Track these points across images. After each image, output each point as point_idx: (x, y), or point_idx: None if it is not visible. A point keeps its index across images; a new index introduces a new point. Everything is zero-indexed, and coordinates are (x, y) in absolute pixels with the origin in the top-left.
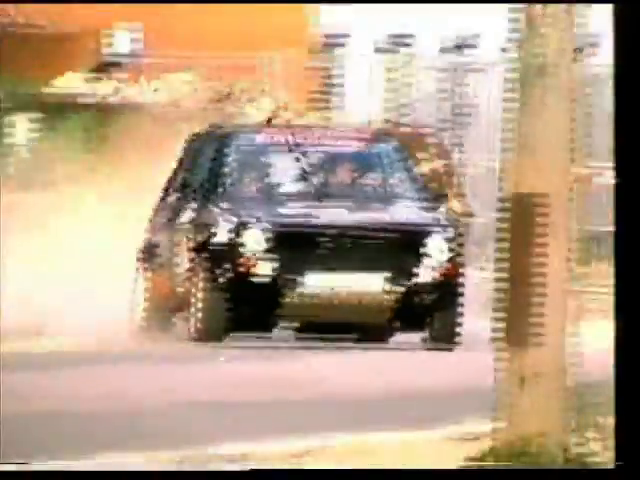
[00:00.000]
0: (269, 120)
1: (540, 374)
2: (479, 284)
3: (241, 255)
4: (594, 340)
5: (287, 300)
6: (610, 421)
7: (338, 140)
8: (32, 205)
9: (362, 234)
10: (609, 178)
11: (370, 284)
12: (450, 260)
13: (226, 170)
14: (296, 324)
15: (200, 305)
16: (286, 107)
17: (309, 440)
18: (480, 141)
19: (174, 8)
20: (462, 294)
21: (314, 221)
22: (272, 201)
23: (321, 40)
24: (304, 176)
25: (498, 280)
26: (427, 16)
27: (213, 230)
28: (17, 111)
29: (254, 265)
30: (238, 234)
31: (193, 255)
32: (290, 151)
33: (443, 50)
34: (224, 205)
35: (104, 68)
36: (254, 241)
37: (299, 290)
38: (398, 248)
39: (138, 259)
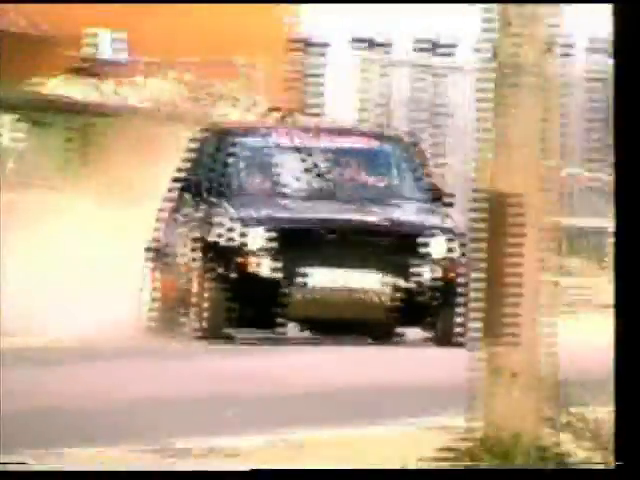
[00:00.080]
0: (274, 109)
1: (515, 370)
2: None
3: (243, 253)
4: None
5: (289, 298)
6: (587, 417)
7: (345, 139)
8: (19, 205)
9: (364, 233)
10: (582, 175)
11: (371, 283)
12: (451, 260)
13: (230, 168)
14: (301, 322)
15: (203, 303)
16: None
17: (292, 434)
18: (456, 141)
19: (156, 12)
20: (464, 294)
21: (317, 220)
22: (276, 199)
23: (300, 43)
24: (309, 175)
25: (474, 278)
26: (403, 18)
27: (216, 228)
28: (1, 113)
29: (256, 263)
30: (241, 232)
31: (197, 253)
32: (296, 150)
33: (419, 51)
34: (228, 203)
35: (86, 71)
36: (256, 239)
37: (301, 288)
38: (400, 248)
39: (145, 258)
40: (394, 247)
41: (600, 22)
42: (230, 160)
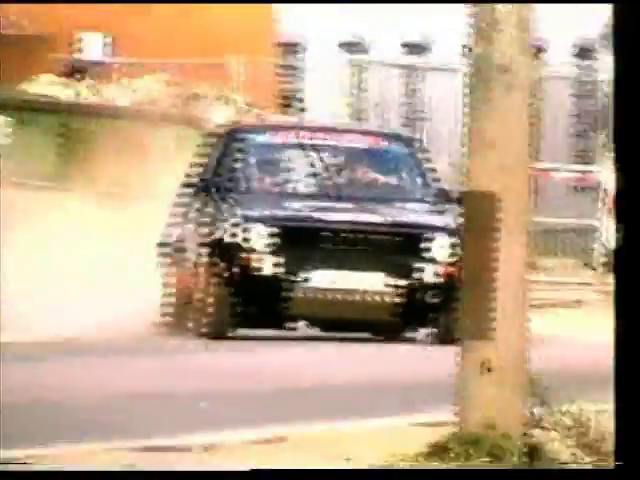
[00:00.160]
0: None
1: (497, 365)
2: None
3: (245, 251)
4: (553, 330)
5: (291, 297)
6: (568, 412)
7: (352, 139)
8: (10, 203)
9: (366, 233)
10: (564, 174)
11: (373, 283)
12: (454, 260)
13: (237, 166)
14: (304, 321)
15: (206, 300)
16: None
17: (279, 429)
18: (442, 140)
19: (141, 15)
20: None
21: (319, 219)
22: (281, 198)
23: (283, 44)
24: (314, 175)
25: (463, 278)
26: (385, 19)
27: (220, 226)
28: None
29: (258, 261)
30: (243, 230)
31: (203, 250)
32: (303, 149)
33: (404, 52)
34: (232, 201)
35: (73, 72)
36: (259, 238)
37: (303, 287)
38: (402, 248)
39: (158, 254)
40: (397, 247)
41: (579, 25)
42: (237, 158)
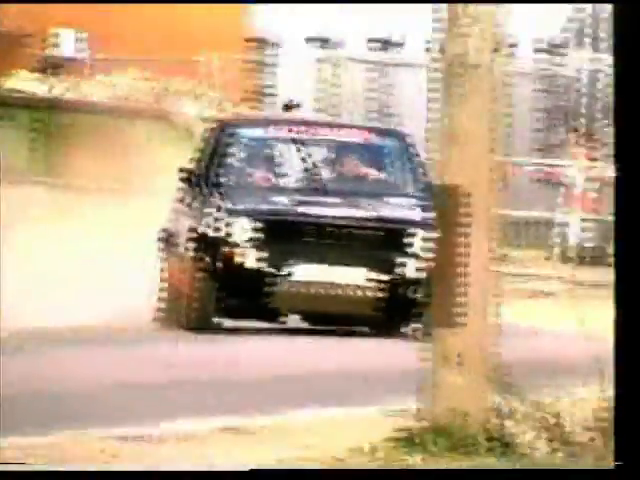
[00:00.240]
0: (287, 107)
1: (465, 356)
2: None
3: (229, 245)
4: (521, 321)
5: (274, 290)
6: (535, 401)
7: (343, 133)
8: None
9: (350, 228)
10: (532, 168)
11: (356, 277)
12: None
13: (225, 160)
14: (286, 314)
15: (192, 292)
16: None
17: (251, 418)
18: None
19: (118, 10)
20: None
21: (303, 214)
22: (267, 192)
23: (256, 41)
24: (304, 169)
25: (433, 269)
26: (356, 16)
27: (205, 219)
28: None
29: (241, 255)
30: (227, 224)
31: (190, 243)
32: (293, 143)
33: (374, 48)
34: (218, 195)
35: (49, 68)
36: (242, 232)
37: (286, 281)
38: (385, 243)
39: (157, 248)
40: (380, 242)
41: (546, 22)
42: (226, 152)
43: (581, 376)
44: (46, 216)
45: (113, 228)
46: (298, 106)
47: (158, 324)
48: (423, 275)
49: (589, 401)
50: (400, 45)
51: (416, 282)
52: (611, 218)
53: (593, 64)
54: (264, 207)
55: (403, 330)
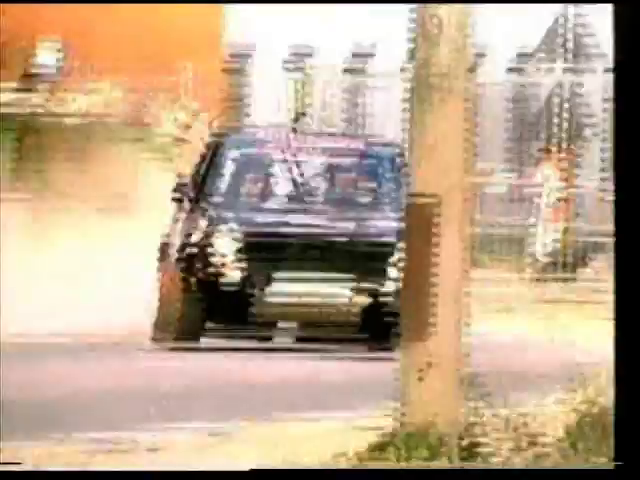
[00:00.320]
0: (296, 117)
1: (435, 365)
2: None
3: (211, 258)
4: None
5: (256, 303)
6: (506, 409)
7: (336, 145)
8: None
9: (332, 242)
10: (502, 180)
11: (337, 291)
12: None
13: (215, 172)
14: (266, 325)
15: (176, 305)
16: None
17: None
18: None
19: (97, 22)
20: None
21: (286, 228)
22: (254, 204)
23: (234, 49)
24: (294, 182)
25: (403, 279)
26: (330, 25)
27: (190, 231)
28: None
29: (224, 268)
30: (210, 237)
31: (178, 254)
32: (286, 156)
33: (348, 58)
34: (205, 208)
35: (26, 79)
36: (224, 245)
37: (267, 293)
38: (366, 258)
39: (157, 258)
40: (361, 255)
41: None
42: (214, 165)
43: (551, 384)
44: (27, 228)
45: (95, 240)
46: (304, 115)
47: (156, 338)
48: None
49: (559, 408)
50: (371, 55)
51: (397, 294)
52: (584, 229)
53: (566, 76)
54: (248, 221)
55: (383, 341)
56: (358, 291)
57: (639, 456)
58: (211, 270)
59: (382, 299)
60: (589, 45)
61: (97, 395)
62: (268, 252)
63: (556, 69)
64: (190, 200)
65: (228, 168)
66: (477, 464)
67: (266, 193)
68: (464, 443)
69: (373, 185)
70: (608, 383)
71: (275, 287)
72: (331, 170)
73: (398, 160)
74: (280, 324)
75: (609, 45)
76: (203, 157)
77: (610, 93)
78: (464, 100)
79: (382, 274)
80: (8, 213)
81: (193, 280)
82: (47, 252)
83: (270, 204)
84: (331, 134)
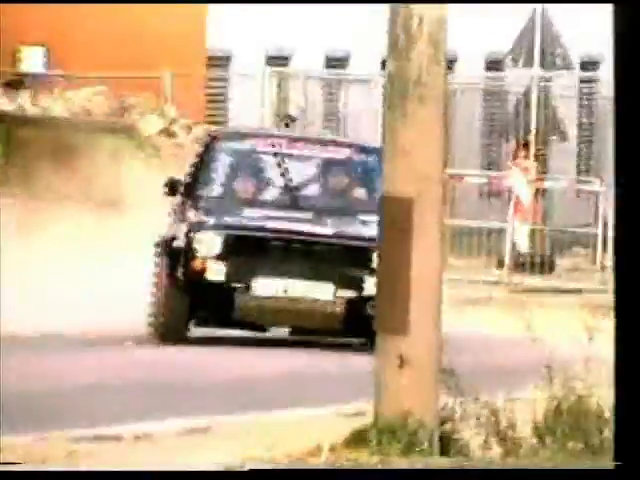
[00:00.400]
0: (284, 120)
1: (412, 359)
2: None
3: (194, 257)
4: (466, 326)
5: (238, 303)
6: (479, 402)
7: (326, 151)
8: None
9: (312, 244)
10: (476, 180)
11: (318, 293)
12: None
13: (205, 173)
14: (246, 327)
15: (160, 304)
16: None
17: (211, 419)
18: None
19: (81, 28)
20: None
21: (270, 229)
22: (239, 206)
23: (210, 56)
24: (283, 184)
25: (379, 275)
26: (311, 31)
27: (175, 231)
28: None
29: (206, 267)
30: (193, 236)
31: (165, 253)
32: (274, 159)
33: (325, 64)
34: (192, 207)
35: (12, 84)
36: (205, 244)
37: (248, 294)
38: (347, 260)
39: (154, 254)
40: (342, 258)
41: (489, 38)
42: (208, 165)
43: (528, 378)
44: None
45: (82, 238)
46: (294, 120)
47: (149, 332)
48: None
49: (536, 402)
50: (346, 61)
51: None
52: (558, 228)
53: (540, 80)
54: (232, 221)
55: (361, 342)
56: (337, 294)
57: (639, 456)
58: (194, 270)
59: (359, 302)
60: (558, 47)
61: (89, 389)
62: (251, 253)
63: (527, 72)
64: (182, 196)
65: (217, 169)
66: (461, 460)
67: (256, 194)
68: (440, 435)
69: (364, 190)
70: (583, 372)
71: (257, 287)
72: (321, 175)
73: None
74: (272, 329)
75: (576, 47)
76: (198, 155)
77: (576, 92)
78: (438, 105)
79: (360, 277)
80: None
81: (178, 280)
82: (36, 251)
83: (257, 205)
84: (321, 139)
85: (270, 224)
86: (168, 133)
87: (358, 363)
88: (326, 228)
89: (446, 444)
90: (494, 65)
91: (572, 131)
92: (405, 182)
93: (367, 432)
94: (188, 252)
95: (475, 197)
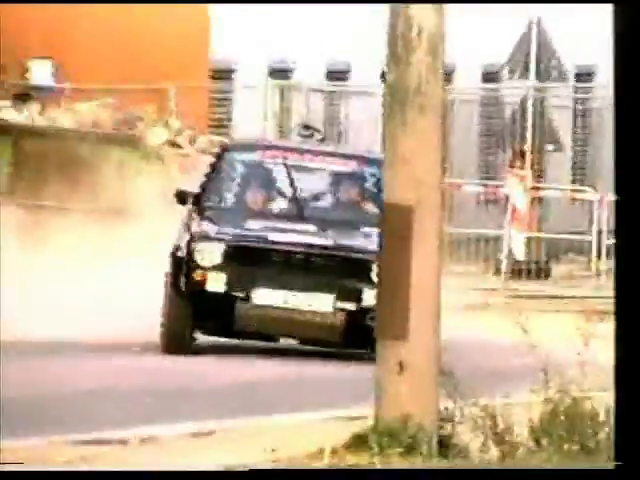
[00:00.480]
0: (304, 131)
1: (412, 364)
2: None
3: (196, 267)
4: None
5: (238, 314)
6: (477, 406)
7: (335, 163)
8: None
9: (313, 256)
10: (473, 188)
11: (317, 304)
12: None
13: (214, 184)
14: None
15: (165, 312)
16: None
17: (214, 424)
18: None
19: (89, 42)
20: None
21: (271, 240)
22: (242, 217)
23: (214, 69)
24: (290, 196)
25: (380, 282)
26: (310, 45)
27: (179, 241)
28: None
29: (207, 277)
30: (195, 246)
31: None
32: (283, 170)
33: (327, 76)
34: (198, 217)
35: (22, 96)
36: (206, 254)
37: (249, 305)
38: (346, 272)
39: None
40: (342, 270)
41: (486, 50)
42: (215, 175)
43: (525, 382)
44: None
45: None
46: (318, 131)
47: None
48: None
49: (533, 405)
50: (353, 73)
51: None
52: (553, 236)
53: (536, 90)
54: (234, 232)
55: (362, 353)
56: (336, 305)
57: (639, 456)
58: (194, 278)
59: (362, 316)
60: (554, 58)
61: (94, 395)
62: (252, 264)
63: (523, 83)
64: (191, 206)
65: (226, 180)
66: (460, 462)
67: (261, 207)
68: (439, 439)
69: (370, 203)
70: (579, 375)
71: (257, 298)
72: (329, 187)
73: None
74: (282, 340)
75: (571, 58)
76: (210, 166)
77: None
78: (436, 115)
79: (360, 290)
80: (6, 219)
81: (180, 289)
82: (41, 259)
83: (261, 216)
84: (331, 152)
85: (271, 235)
86: (173, 144)
87: (357, 370)
88: (325, 240)
89: (445, 447)
90: (491, 76)
91: (567, 140)
92: (405, 190)
93: (367, 436)
94: (189, 262)
95: (472, 205)
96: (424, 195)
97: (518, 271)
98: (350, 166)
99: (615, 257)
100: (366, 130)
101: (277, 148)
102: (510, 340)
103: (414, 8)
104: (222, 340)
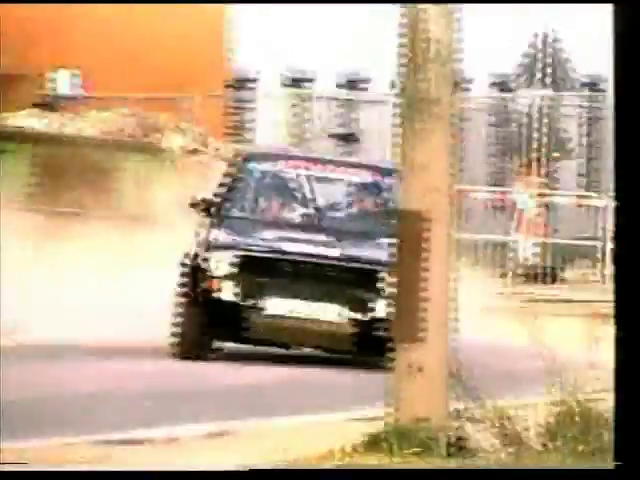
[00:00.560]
0: (347, 140)
1: (424, 366)
2: None
3: (207, 276)
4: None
5: (249, 322)
6: (491, 407)
7: (353, 173)
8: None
9: (323, 266)
10: (484, 194)
11: (327, 314)
12: None
13: (229, 192)
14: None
15: (179, 320)
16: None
17: (227, 425)
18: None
19: (109, 51)
20: None
21: (282, 250)
22: (254, 227)
23: (235, 79)
24: (303, 206)
25: (392, 286)
26: (327, 55)
27: (193, 250)
28: None
29: (218, 286)
30: (207, 255)
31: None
32: (300, 180)
33: (342, 85)
34: (213, 226)
35: (47, 105)
36: (220, 264)
37: (260, 314)
38: (356, 283)
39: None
40: (352, 281)
41: (497, 60)
42: (232, 184)
43: (536, 384)
44: (42, 239)
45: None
46: (357, 140)
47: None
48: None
49: (544, 407)
50: (367, 82)
51: (385, 320)
52: (560, 241)
53: (545, 99)
54: (246, 242)
55: (374, 362)
56: (347, 316)
57: (639, 456)
58: (206, 286)
59: (372, 326)
60: (563, 67)
61: (107, 396)
62: (263, 273)
63: (533, 92)
64: (207, 215)
65: (243, 189)
66: (473, 462)
67: (276, 217)
68: (452, 439)
69: (387, 213)
70: (587, 379)
71: (267, 307)
72: (347, 198)
73: None
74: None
75: (580, 67)
76: (226, 175)
77: (580, 111)
78: (449, 123)
79: (371, 300)
80: (27, 222)
81: (191, 297)
82: (61, 265)
83: (274, 225)
84: (351, 162)
85: (284, 246)
86: (192, 151)
87: (367, 376)
88: (335, 250)
89: (458, 447)
90: (501, 86)
91: (576, 148)
92: (419, 197)
93: (382, 436)
94: (202, 270)
95: (482, 211)
96: (438, 202)
97: (526, 276)
98: (370, 177)
99: (614, 261)
100: (379, 139)
101: (299, 158)
102: (520, 343)
103: (428, 19)
104: (236, 346)
